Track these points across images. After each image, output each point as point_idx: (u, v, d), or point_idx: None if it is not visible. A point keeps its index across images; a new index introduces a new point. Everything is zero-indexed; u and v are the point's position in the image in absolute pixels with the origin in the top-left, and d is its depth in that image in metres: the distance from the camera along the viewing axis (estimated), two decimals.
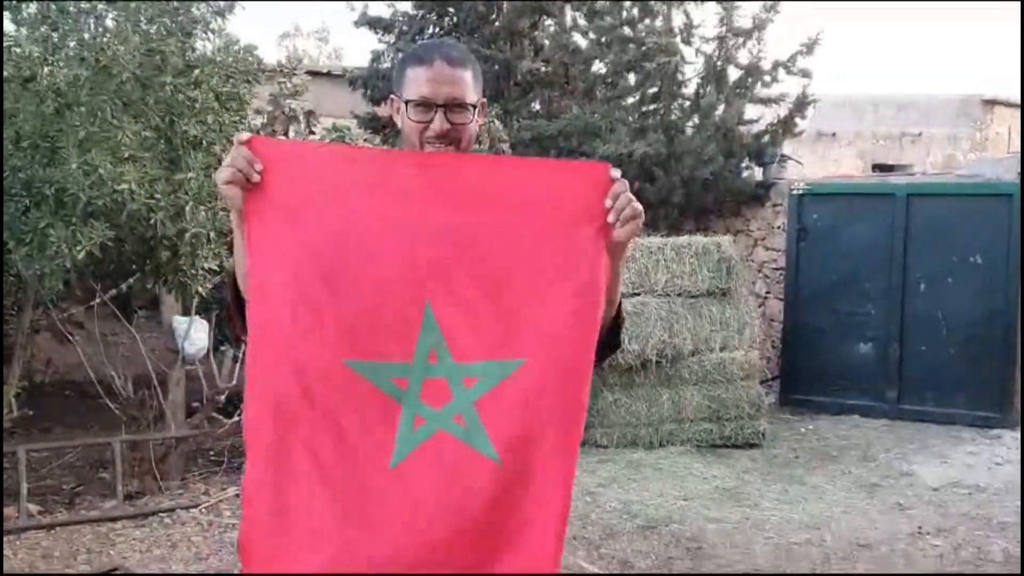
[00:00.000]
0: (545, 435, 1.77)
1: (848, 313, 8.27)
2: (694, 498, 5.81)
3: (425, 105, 1.90)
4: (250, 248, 1.76)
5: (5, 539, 5.10)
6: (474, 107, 1.94)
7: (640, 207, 1.82)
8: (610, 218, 1.78)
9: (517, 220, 1.79)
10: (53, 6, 4.91)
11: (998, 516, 5.55)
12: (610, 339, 1.96)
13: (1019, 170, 7.94)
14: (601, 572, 4.26)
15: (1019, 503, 5.77)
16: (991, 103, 16.83)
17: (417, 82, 1.91)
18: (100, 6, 5.00)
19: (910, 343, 8.02)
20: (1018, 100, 15.87)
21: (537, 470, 1.78)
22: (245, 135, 1.78)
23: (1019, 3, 19.58)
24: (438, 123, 1.90)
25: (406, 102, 1.92)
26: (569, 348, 1.79)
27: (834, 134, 16.47)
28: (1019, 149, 11.58)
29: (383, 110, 10.74)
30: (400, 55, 2.04)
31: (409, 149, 1.95)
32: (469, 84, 1.93)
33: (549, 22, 11.64)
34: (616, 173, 1.81)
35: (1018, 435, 7.42)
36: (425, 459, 1.76)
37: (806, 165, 11.81)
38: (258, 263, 1.76)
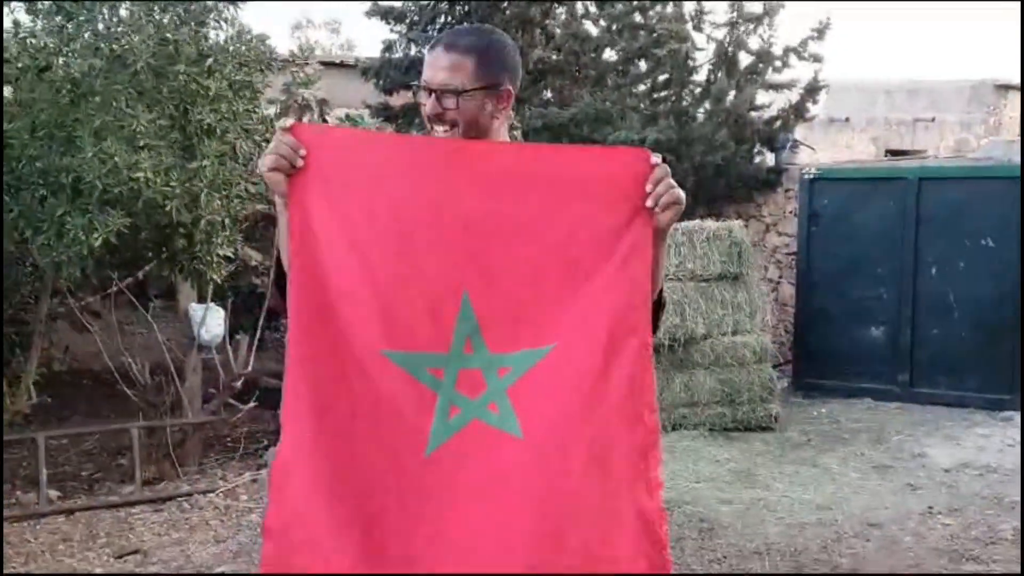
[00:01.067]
0: (582, 415, 1.76)
1: (860, 297, 8.27)
2: (707, 480, 5.85)
3: (425, 89, 1.97)
4: (292, 233, 1.79)
5: (26, 524, 5.19)
6: (465, 92, 1.95)
7: (681, 193, 1.82)
8: (648, 202, 1.80)
9: (555, 208, 1.80)
10: None
11: (1009, 496, 5.56)
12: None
13: (1021, 153, 7.92)
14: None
15: None
16: (1004, 88, 16.74)
17: (424, 66, 1.99)
18: None
19: (922, 326, 8.03)
20: None
21: (576, 450, 1.76)
22: (288, 122, 1.83)
23: None
24: (429, 106, 1.97)
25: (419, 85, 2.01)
26: (602, 330, 1.78)
27: (847, 119, 16.45)
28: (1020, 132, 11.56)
29: (395, 99, 10.81)
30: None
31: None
32: (464, 70, 1.95)
33: (560, 10, 11.65)
34: (657, 159, 1.82)
35: None
36: (460, 447, 1.77)
37: (819, 151, 11.80)
38: (300, 249, 1.78)
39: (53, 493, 5.57)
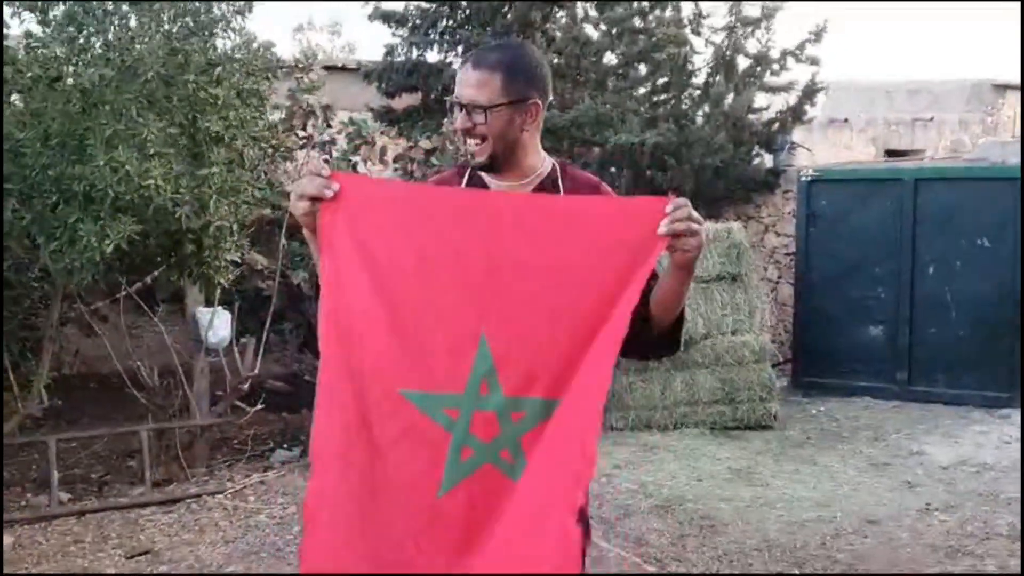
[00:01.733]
0: (562, 457, 1.79)
1: (858, 297, 8.37)
2: (707, 478, 5.95)
3: (458, 104, 2.08)
4: (323, 274, 1.87)
5: (37, 526, 5.28)
6: (493, 108, 2.04)
7: (697, 226, 1.84)
8: (661, 228, 1.82)
9: (574, 257, 1.84)
10: (79, 8, 5.05)
11: (1006, 492, 5.66)
12: (662, 340, 2.07)
13: (1020, 154, 8.01)
14: (660, 572, 4.39)
15: None
16: (1003, 87, 16.80)
17: (456, 83, 2.11)
18: (124, 7, 5.13)
19: (920, 325, 8.13)
20: None
21: (547, 485, 1.79)
22: (326, 169, 1.91)
23: None
24: (459, 120, 2.08)
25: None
26: (595, 386, 1.80)
27: (846, 120, 16.52)
28: (1020, 133, 11.64)
29: (398, 103, 10.91)
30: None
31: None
32: (492, 86, 2.05)
33: (561, 14, 11.74)
34: (674, 198, 1.85)
35: None
36: (471, 492, 1.82)
37: (819, 152, 11.88)
38: (329, 290, 1.86)
39: (64, 495, 5.66)
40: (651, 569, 4.51)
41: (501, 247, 1.86)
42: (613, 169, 10.36)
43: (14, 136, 4.87)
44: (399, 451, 1.83)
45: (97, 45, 5.07)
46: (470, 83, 2.06)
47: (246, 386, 6.34)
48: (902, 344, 8.19)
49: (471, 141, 2.08)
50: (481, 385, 1.83)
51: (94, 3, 5.07)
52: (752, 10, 9.91)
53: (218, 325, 6.27)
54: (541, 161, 2.17)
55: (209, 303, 6.35)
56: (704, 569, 4.52)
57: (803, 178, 8.75)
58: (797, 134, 10.93)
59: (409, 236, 1.87)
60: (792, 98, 10.02)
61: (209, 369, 6.50)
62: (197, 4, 5.18)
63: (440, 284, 1.85)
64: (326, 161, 7.12)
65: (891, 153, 15.27)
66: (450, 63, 11.75)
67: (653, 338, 2.06)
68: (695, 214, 1.85)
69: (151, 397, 6.18)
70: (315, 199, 1.88)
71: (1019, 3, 21.78)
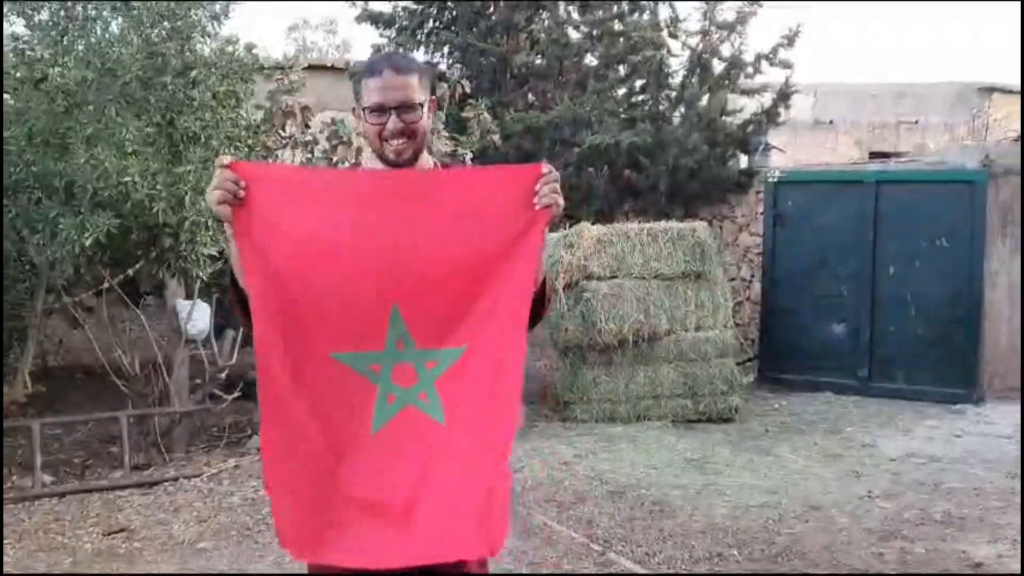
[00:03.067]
0: (484, 406, 2.12)
1: (822, 295, 8.63)
2: (662, 467, 6.20)
3: (380, 110, 2.24)
4: (244, 260, 2.09)
5: (21, 505, 5.54)
6: (422, 105, 2.27)
7: (559, 197, 2.12)
8: (534, 202, 2.10)
9: (462, 226, 2.11)
10: (63, 12, 5.32)
11: (948, 483, 5.92)
12: (533, 312, 2.27)
13: (982, 158, 8.28)
14: (649, 573, 4.61)
15: (971, 471, 6.16)
16: (989, 90, 17.03)
17: (372, 91, 2.25)
18: (106, 12, 5.39)
19: (880, 323, 8.39)
20: (1017, 87, 16.06)
21: (476, 433, 2.13)
22: (227, 159, 2.10)
23: None
24: (392, 123, 2.24)
25: (364, 109, 2.27)
26: (503, 333, 2.12)
27: (831, 122, 16.76)
28: (999, 137, 11.88)
29: None
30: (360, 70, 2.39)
31: (373, 151, 2.31)
32: (415, 87, 2.26)
33: (544, 16, 12.02)
34: (547, 168, 2.12)
35: (980, 410, 7.80)
36: (397, 428, 2.14)
37: (803, 153, 12.15)
38: (252, 271, 2.09)
39: (47, 478, 5.91)
40: (596, 548, 4.77)
41: (401, 221, 2.11)
42: (591, 169, 10.64)
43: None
44: (334, 403, 2.13)
45: (80, 48, 5.34)
46: (398, 86, 2.24)
47: (224, 376, 6.59)
48: (863, 341, 8.45)
49: (396, 142, 2.25)
50: (397, 343, 2.13)
51: (78, 7, 5.33)
52: (727, 14, 10.18)
53: (197, 317, 6.53)
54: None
55: (189, 296, 6.61)
56: (647, 549, 4.77)
57: (769, 179, 9.01)
58: (782, 136, 11.20)
59: (318, 218, 2.11)
60: (767, 100, 10.29)
61: (189, 359, 6.76)
62: (175, 9, 5.43)
63: (352, 260, 2.11)
64: (308, 160, 7.36)
65: (876, 155, 15.52)
66: (436, 63, 12.02)
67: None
68: (558, 185, 2.12)
69: (132, 385, 6.44)
70: (229, 200, 2.07)
71: (1020, 4, 21.99)
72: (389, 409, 2.14)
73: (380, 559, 2.09)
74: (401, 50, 11.93)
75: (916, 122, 16.51)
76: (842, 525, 5.17)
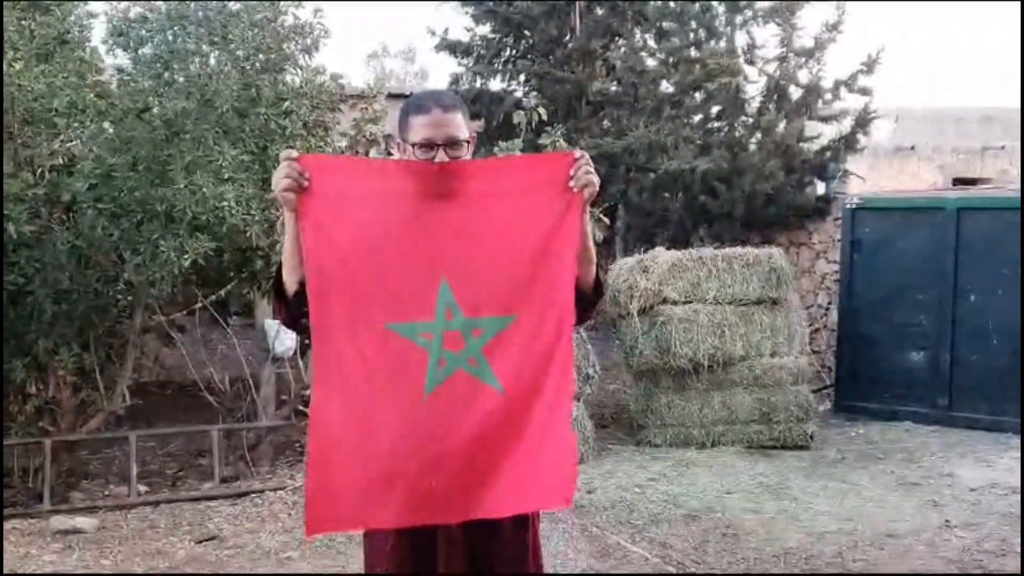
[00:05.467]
0: (542, 372, 2.35)
1: (901, 323, 8.54)
2: (736, 491, 6.24)
3: (428, 146, 2.38)
4: (305, 240, 2.30)
5: (119, 513, 5.84)
6: (467, 142, 2.44)
7: (594, 177, 2.34)
8: (571, 184, 2.32)
9: (505, 205, 2.35)
10: (165, 46, 5.64)
11: None
12: (587, 299, 2.48)
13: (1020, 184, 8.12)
14: (678, 572, 4.69)
15: None
16: None
17: (420, 127, 2.38)
18: (205, 46, 5.70)
19: (961, 352, 8.26)
20: None
21: (537, 399, 2.34)
22: (294, 152, 2.32)
23: None
24: (440, 159, 2.38)
25: (412, 144, 2.40)
26: (552, 305, 2.35)
27: (912, 148, 16.53)
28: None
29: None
30: (403, 103, 2.59)
31: None
32: (460, 124, 2.43)
33: (620, 43, 12.16)
34: (579, 153, 2.35)
35: None
36: (448, 390, 2.32)
37: (884, 180, 12.02)
38: (313, 251, 2.30)
39: (142, 487, 6.22)
40: (671, 570, 4.84)
41: (449, 204, 2.33)
42: (667, 195, 10.71)
43: (106, 161, 5.47)
44: (390, 370, 2.33)
45: (180, 80, 5.65)
46: (446, 123, 2.39)
47: (308, 392, 6.82)
48: (943, 370, 8.33)
49: None
50: (446, 313, 2.33)
51: (179, 43, 5.65)
52: (805, 40, 10.18)
53: (284, 336, 6.78)
54: None
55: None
56: (721, 572, 4.83)
57: (847, 206, 8.97)
58: (862, 162, 11.11)
59: (374, 201, 2.33)
60: (846, 126, 10.25)
61: (276, 377, 7.04)
62: (269, 43, 5.72)
63: (404, 241, 2.33)
64: None
65: (959, 181, 15.24)
66: (513, 91, 12.25)
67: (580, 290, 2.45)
68: (591, 167, 2.34)
69: (222, 401, 6.74)
70: (295, 188, 2.26)
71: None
72: (441, 373, 2.32)
73: (432, 515, 2.33)
74: (479, 78, 12.25)
75: (1003, 147, 16.19)
76: (919, 554, 5.15)
